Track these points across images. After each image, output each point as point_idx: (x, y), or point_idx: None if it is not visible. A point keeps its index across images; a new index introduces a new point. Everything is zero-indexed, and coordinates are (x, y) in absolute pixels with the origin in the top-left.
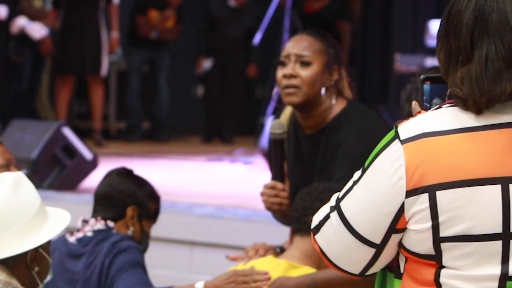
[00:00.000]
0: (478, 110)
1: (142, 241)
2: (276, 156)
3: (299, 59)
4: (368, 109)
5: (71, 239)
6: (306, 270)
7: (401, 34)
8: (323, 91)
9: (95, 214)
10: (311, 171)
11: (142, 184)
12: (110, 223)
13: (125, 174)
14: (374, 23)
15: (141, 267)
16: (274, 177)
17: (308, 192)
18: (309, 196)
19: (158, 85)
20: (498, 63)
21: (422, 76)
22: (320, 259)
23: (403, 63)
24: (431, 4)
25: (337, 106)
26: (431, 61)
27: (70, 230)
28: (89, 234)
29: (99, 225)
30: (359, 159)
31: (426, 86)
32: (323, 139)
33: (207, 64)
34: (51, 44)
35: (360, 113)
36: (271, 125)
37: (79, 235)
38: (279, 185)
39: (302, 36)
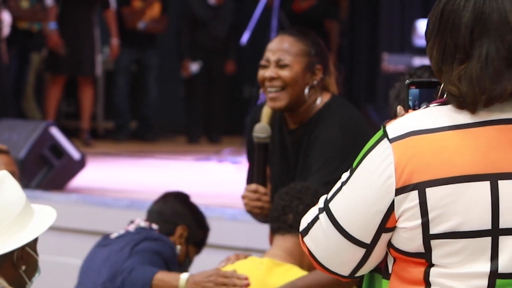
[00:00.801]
0: (474, 108)
1: (185, 264)
2: (259, 160)
3: (279, 63)
4: (350, 104)
5: (114, 235)
6: (289, 267)
7: (389, 33)
8: (306, 90)
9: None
10: (294, 165)
11: (196, 211)
12: (154, 226)
13: (183, 197)
14: (362, 23)
15: (162, 258)
16: (256, 181)
17: (286, 191)
18: (288, 195)
19: (146, 85)
20: (499, 63)
21: (407, 81)
22: (302, 256)
23: (390, 62)
24: (419, 4)
25: (322, 98)
26: (419, 61)
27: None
28: (131, 229)
29: (143, 223)
30: (337, 151)
31: (415, 90)
32: (306, 133)
33: (194, 67)
34: (59, 38)
35: (341, 107)
36: (255, 129)
37: (122, 231)
38: (261, 189)
39: (283, 37)
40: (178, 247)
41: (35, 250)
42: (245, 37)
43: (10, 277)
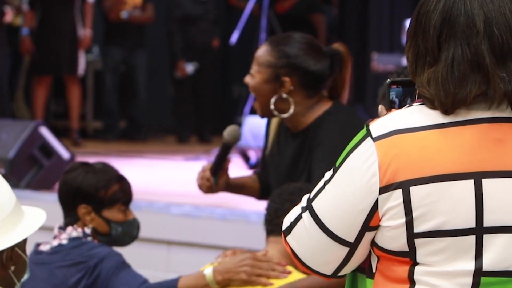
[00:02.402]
0: (444, 111)
1: (112, 231)
2: (218, 155)
3: (250, 71)
4: (351, 109)
5: (45, 247)
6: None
7: (378, 33)
8: (272, 100)
9: (64, 220)
10: (294, 170)
11: (87, 175)
12: (87, 230)
13: (73, 170)
14: (351, 22)
15: (122, 259)
16: (210, 169)
17: (279, 194)
18: (280, 197)
19: (135, 84)
20: (464, 66)
21: (388, 80)
22: None
23: (380, 62)
24: (408, 3)
25: (321, 107)
26: None
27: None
28: (64, 241)
29: (75, 232)
30: (337, 156)
31: (397, 89)
32: (306, 138)
33: (190, 68)
34: (31, 43)
35: (342, 113)
36: (226, 129)
37: (54, 243)
38: (206, 172)
39: (262, 45)
40: (90, 226)
41: (24, 251)
42: (234, 37)
43: None
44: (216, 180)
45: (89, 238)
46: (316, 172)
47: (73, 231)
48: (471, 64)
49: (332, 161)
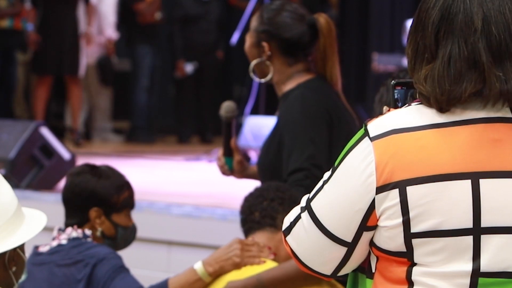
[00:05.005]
0: (440, 109)
1: (118, 235)
2: (224, 135)
3: None
4: (322, 88)
5: (45, 248)
6: (271, 263)
7: (379, 33)
8: (252, 63)
9: (66, 220)
10: (272, 135)
11: (102, 180)
12: (88, 231)
13: (85, 173)
14: (352, 23)
15: (121, 262)
16: (223, 152)
17: (250, 193)
18: (251, 196)
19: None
20: (460, 64)
21: (392, 81)
22: (277, 250)
23: (380, 62)
24: (408, 4)
25: (299, 78)
26: None
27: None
28: (63, 241)
29: (75, 232)
30: (300, 128)
31: (401, 90)
32: (282, 107)
33: (189, 68)
34: (37, 36)
35: (308, 90)
36: (221, 106)
37: (54, 243)
38: (221, 157)
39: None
40: (99, 229)
41: (23, 252)
42: (234, 37)
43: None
44: (229, 161)
45: (89, 239)
46: (270, 140)
47: (73, 232)
48: (468, 61)
49: (282, 135)
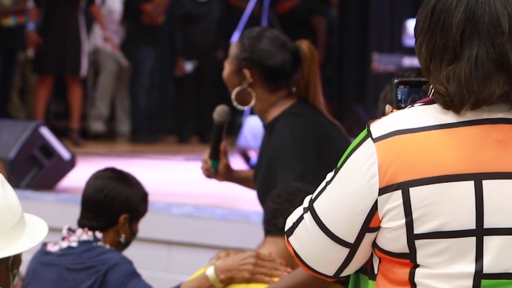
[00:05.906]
0: (460, 110)
1: (130, 241)
2: (213, 137)
3: None
4: (306, 113)
5: (54, 248)
6: None
7: (379, 33)
8: (234, 91)
9: (83, 221)
10: (260, 163)
11: (133, 188)
12: (98, 234)
13: (117, 178)
14: (352, 22)
15: (133, 268)
16: (209, 155)
17: (278, 194)
18: (278, 197)
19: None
20: (488, 66)
21: (396, 80)
22: (292, 257)
23: (380, 62)
24: (409, 4)
25: (283, 105)
26: (409, 61)
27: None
28: (74, 244)
29: (85, 235)
30: (291, 151)
31: (404, 90)
32: (269, 135)
33: (189, 66)
34: (38, 37)
35: (293, 117)
36: (215, 110)
37: (63, 244)
38: (207, 161)
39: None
40: (123, 235)
41: (21, 254)
42: (234, 38)
43: (1, 279)
44: (215, 164)
45: (99, 243)
46: (264, 171)
47: (83, 234)
48: (495, 63)
49: (275, 164)
